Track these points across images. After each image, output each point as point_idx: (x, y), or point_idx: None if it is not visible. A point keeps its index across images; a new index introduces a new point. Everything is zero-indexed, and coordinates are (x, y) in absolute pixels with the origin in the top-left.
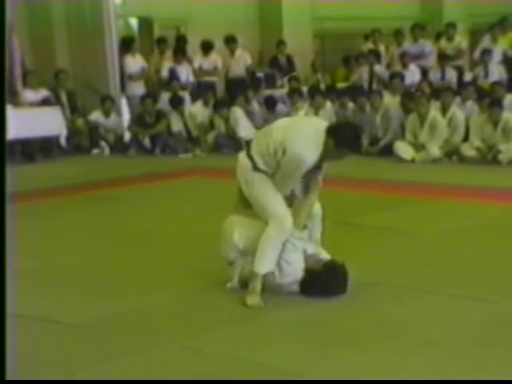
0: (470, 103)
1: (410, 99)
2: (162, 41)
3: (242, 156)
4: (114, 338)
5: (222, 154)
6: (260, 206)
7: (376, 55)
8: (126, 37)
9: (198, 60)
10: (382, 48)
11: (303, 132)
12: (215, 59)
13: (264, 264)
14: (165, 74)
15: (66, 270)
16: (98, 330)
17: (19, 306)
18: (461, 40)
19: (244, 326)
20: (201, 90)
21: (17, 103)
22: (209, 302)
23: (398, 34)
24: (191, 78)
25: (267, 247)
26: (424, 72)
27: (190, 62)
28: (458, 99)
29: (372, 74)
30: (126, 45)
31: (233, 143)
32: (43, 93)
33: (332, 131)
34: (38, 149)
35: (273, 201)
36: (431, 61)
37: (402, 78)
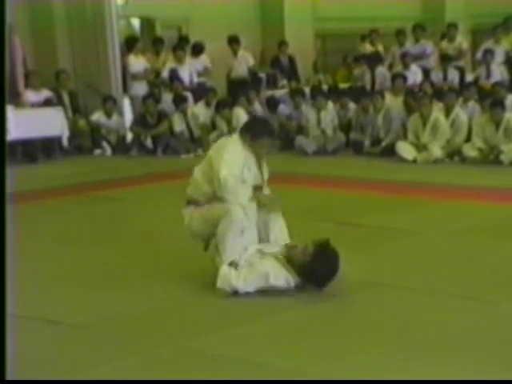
0: (471, 104)
1: (414, 99)
2: (157, 41)
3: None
4: (115, 338)
5: None
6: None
7: (378, 57)
8: (130, 37)
9: (189, 61)
10: (379, 48)
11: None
12: (204, 60)
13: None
14: (165, 74)
15: (67, 270)
16: (99, 331)
17: (20, 306)
18: (462, 40)
19: (245, 327)
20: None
21: (19, 104)
22: (210, 303)
23: (399, 35)
24: (195, 79)
25: (223, 242)
26: (426, 72)
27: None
28: (459, 100)
29: (374, 76)
30: (130, 45)
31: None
32: (45, 93)
33: (243, 129)
34: (40, 149)
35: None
36: (432, 61)
37: (405, 78)
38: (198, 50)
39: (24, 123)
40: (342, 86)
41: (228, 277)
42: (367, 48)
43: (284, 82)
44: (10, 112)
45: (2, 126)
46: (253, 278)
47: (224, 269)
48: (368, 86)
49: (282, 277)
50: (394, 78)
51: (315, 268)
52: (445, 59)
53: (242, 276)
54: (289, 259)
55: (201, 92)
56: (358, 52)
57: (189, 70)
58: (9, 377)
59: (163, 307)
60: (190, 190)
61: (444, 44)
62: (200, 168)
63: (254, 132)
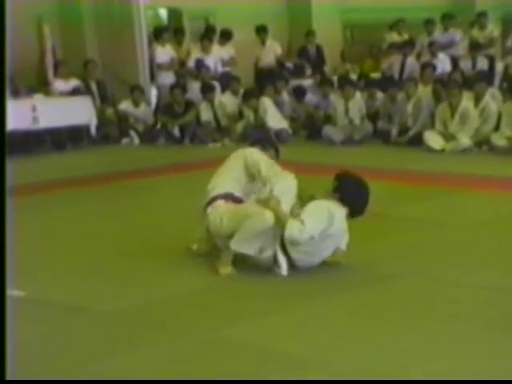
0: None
1: (443, 87)
2: (179, 31)
3: None
4: (141, 327)
5: None
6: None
7: (412, 45)
8: (157, 27)
9: (215, 50)
10: (405, 38)
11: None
12: (230, 49)
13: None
14: (191, 64)
15: (90, 258)
16: (124, 320)
17: (43, 292)
18: (493, 28)
19: (272, 317)
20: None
21: (48, 93)
22: (238, 292)
23: (428, 24)
24: (219, 68)
25: (246, 234)
26: (454, 61)
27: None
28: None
29: (404, 64)
30: (157, 35)
31: (261, 133)
32: (74, 82)
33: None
34: (68, 138)
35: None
36: (461, 49)
37: (434, 68)
38: (226, 36)
39: (52, 112)
40: (373, 75)
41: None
42: (394, 37)
43: (309, 71)
44: (40, 101)
45: (3, 121)
46: (315, 215)
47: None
48: (396, 75)
49: (338, 208)
50: (423, 67)
51: (347, 190)
52: (474, 47)
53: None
54: None
55: (226, 81)
56: (384, 42)
57: (214, 59)
58: (9, 376)
59: (188, 297)
60: (217, 189)
61: (475, 32)
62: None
63: (263, 145)
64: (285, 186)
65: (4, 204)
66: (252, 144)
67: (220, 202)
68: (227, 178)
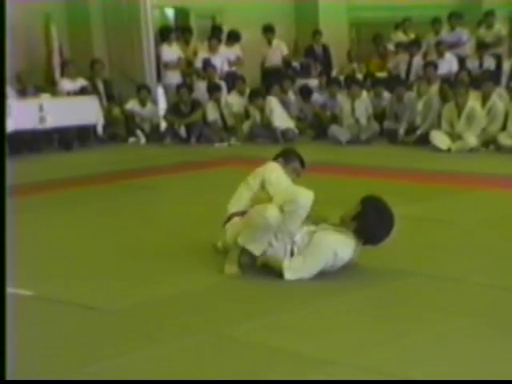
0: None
1: (450, 87)
2: (186, 30)
3: None
4: (149, 325)
5: (257, 144)
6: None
7: (417, 45)
8: (164, 26)
9: (222, 51)
10: (412, 37)
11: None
12: (237, 49)
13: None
14: (199, 64)
15: (93, 256)
16: (133, 318)
17: (52, 291)
18: (500, 27)
19: (282, 315)
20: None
21: (55, 92)
22: (247, 290)
23: (435, 23)
24: (225, 67)
25: (250, 232)
26: (461, 61)
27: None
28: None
29: (410, 64)
30: (164, 34)
31: (268, 133)
32: (81, 82)
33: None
34: (75, 137)
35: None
36: (468, 49)
37: (435, 66)
38: (233, 37)
39: (60, 111)
40: (379, 74)
41: (294, 267)
42: (400, 37)
43: (316, 71)
44: (47, 100)
45: (2, 121)
46: (318, 257)
47: (286, 262)
48: (403, 75)
49: (346, 247)
50: (425, 66)
51: (368, 220)
52: (481, 47)
53: (307, 261)
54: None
55: (232, 81)
56: (390, 41)
57: (220, 59)
58: (9, 377)
59: (199, 295)
60: (235, 207)
61: (482, 31)
62: (247, 189)
63: (286, 157)
64: (295, 205)
65: (4, 204)
66: (275, 157)
67: (236, 219)
68: (244, 196)
